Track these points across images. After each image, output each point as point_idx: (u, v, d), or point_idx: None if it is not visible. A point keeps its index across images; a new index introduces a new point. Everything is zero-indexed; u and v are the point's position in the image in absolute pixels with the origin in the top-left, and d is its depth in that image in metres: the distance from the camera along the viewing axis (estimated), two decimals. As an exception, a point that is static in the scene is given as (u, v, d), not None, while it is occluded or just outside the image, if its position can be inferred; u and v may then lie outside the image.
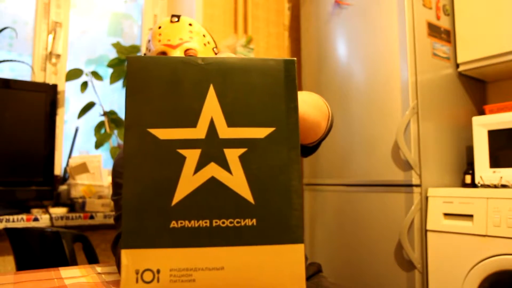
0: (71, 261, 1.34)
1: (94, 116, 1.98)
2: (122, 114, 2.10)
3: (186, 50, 0.93)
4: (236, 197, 0.43)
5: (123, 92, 2.25)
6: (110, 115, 1.98)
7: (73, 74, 1.92)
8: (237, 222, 0.43)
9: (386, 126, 1.78)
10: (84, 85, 1.95)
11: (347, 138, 1.95)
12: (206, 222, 0.42)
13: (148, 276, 0.41)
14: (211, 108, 0.44)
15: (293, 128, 0.45)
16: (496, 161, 1.72)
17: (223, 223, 0.42)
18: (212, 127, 0.44)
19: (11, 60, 1.83)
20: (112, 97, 2.23)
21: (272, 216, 0.43)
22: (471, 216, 1.54)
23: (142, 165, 0.43)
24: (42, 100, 1.68)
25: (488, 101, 2.11)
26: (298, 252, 0.43)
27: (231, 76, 0.45)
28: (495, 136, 1.73)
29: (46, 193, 1.65)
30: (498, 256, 1.43)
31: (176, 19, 0.96)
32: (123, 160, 0.93)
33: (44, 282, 0.77)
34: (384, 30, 1.82)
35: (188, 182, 0.43)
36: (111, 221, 1.68)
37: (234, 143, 0.44)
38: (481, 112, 2.02)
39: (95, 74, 1.97)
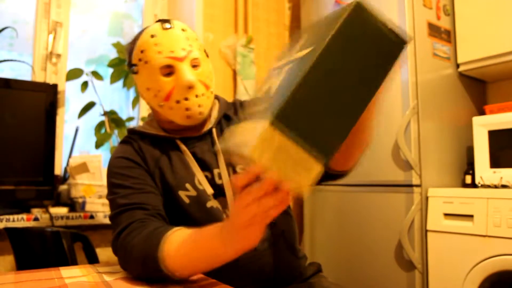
0: (71, 261, 1.34)
1: (94, 116, 1.98)
2: (122, 114, 2.10)
3: (191, 60, 0.93)
4: None
5: (123, 92, 2.25)
6: (110, 115, 1.97)
7: (74, 74, 1.91)
8: None
9: (386, 126, 1.77)
10: (85, 85, 1.94)
11: (347, 138, 1.94)
12: None
13: None
14: None
15: None
16: (496, 161, 1.71)
17: None
18: None
19: (11, 60, 1.83)
20: (113, 97, 2.23)
21: None
22: (471, 216, 1.53)
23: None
24: (42, 100, 1.68)
25: (488, 101, 2.11)
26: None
27: None
28: (495, 136, 1.73)
29: (46, 192, 1.65)
30: (499, 257, 1.43)
31: (169, 26, 0.93)
32: (118, 160, 0.94)
33: (44, 282, 0.77)
34: (384, 30, 1.82)
35: None
36: (111, 221, 1.68)
37: None
38: (482, 112, 2.01)
39: (95, 74, 1.96)
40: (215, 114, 1.03)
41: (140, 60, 0.93)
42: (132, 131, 1.01)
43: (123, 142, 1.00)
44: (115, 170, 0.93)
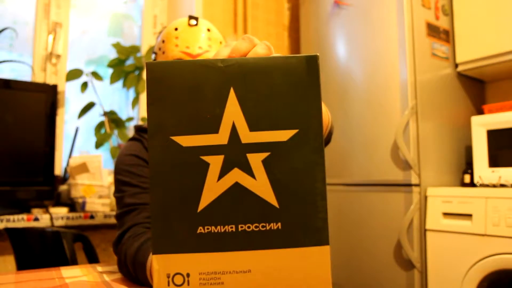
0: (71, 261, 1.34)
1: (94, 116, 1.99)
2: (122, 114, 2.11)
3: None
4: (261, 201, 0.43)
5: (123, 92, 2.25)
6: (110, 115, 1.98)
7: (73, 74, 1.92)
8: (262, 226, 0.43)
9: (385, 126, 1.78)
10: (84, 85, 1.95)
11: (347, 138, 1.95)
12: (232, 227, 0.43)
13: (178, 279, 0.42)
14: (233, 112, 0.43)
15: (317, 129, 0.44)
16: (495, 161, 1.72)
17: (249, 227, 0.43)
18: (234, 132, 0.43)
19: (11, 61, 1.83)
20: (112, 97, 2.24)
21: (297, 219, 0.43)
22: (470, 215, 1.54)
23: (167, 172, 0.43)
24: (42, 101, 1.68)
25: (487, 101, 2.11)
26: (323, 254, 0.43)
27: (252, 78, 0.44)
28: (494, 135, 1.73)
29: (46, 193, 1.65)
30: (497, 255, 1.43)
31: (195, 22, 0.94)
32: (127, 158, 0.94)
33: (45, 282, 0.77)
34: (383, 30, 1.82)
35: (212, 189, 0.43)
36: (111, 220, 1.69)
37: (257, 147, 0.43)
38: (480, 112, 2.02)
39: (95, 74, 1.97)
40: None
41: (160, 49, 0.95)
42: (140, 128, 1.01)
43: (132, 139, 1.00)
44: (123, 168, 0.93)
